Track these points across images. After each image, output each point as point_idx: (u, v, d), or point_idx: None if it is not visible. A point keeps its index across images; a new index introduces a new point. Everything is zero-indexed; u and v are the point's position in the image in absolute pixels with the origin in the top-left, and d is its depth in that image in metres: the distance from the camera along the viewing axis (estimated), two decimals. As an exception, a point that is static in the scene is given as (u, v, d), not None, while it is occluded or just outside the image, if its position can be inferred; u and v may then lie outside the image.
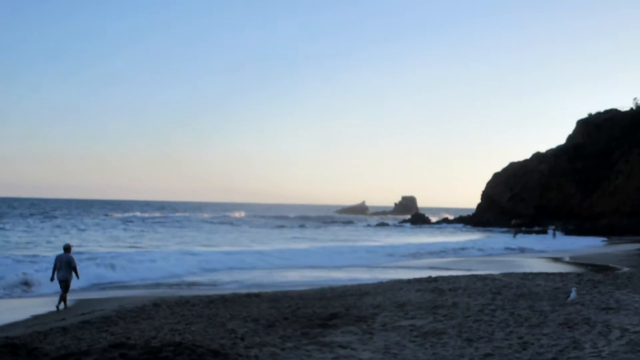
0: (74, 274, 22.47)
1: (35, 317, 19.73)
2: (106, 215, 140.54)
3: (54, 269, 22.36)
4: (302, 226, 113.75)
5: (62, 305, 21.89)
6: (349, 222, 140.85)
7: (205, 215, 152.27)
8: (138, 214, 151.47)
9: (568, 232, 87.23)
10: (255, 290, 24.49)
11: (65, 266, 22.32)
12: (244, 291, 24.37)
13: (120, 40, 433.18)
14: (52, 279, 22.43)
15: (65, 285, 22.19)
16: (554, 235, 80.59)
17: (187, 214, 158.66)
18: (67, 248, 23.00)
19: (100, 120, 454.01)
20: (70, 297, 22.81)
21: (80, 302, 23.10)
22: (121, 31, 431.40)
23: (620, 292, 19.78)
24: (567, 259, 47.23)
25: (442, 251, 56.47)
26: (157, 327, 16.23)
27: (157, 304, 20.37)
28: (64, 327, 16.62)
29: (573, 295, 18.04)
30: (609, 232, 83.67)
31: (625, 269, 33.49)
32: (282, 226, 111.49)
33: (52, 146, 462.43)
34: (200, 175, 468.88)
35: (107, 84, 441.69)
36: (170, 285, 30.75)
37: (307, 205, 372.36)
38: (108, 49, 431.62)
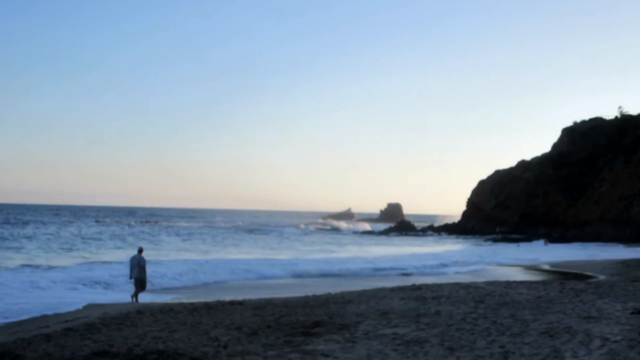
0: (146, 273, 25.56)
1: (19, 324, 19.64)
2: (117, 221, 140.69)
3: (130, 269, 25.55)
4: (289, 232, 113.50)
5: (135, 300, 24.93)
6: (335, 229, 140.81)
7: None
8: (133, 222, 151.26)
9: (552, 240, 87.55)
10: (239, 298, 24.53)
11: (137, 266, 25.26)
12: (227, 299, 24.37)
13: (111, 47, 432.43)
14: (130, 278, 25.67)
15: (139, 284, 25.26)
16: (546, 244, 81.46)
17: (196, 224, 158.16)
18: (140, 250, 26.10)
19: (90, 127, 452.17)
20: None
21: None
22: (113, 37, 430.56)
23: (602, 301, 19.88)
24: (548, 267, 47.29)
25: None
26: (140, 334, 16.22)
27: (140, 311, 20.35)
28: (48, 334, 16.59)
29: None
30: (594, 239, 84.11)
31: (601, 277, 33.59)
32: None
33: (39, 152, 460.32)
34: (188, 182, 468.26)
35: (98, 90, 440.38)
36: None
37: (293, 211, 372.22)
38: (98, 56, 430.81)
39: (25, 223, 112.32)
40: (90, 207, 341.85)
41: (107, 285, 31.52)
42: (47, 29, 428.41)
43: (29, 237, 71.81)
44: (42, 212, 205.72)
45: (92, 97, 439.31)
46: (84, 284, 31.27)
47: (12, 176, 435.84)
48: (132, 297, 25.20)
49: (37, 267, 39.73)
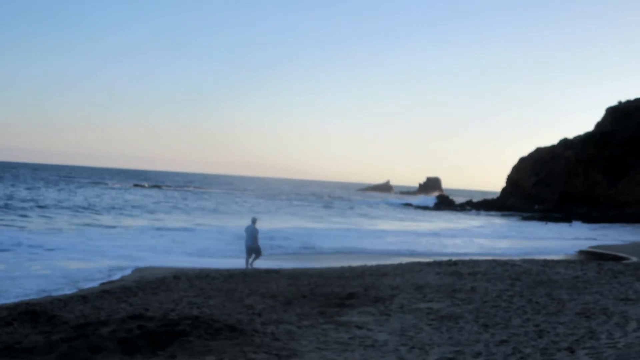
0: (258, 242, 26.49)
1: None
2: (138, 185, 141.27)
3: (246, 238, 26.47)
4: (326, 206, 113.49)
5: (250, 266, 25.89)
6: (372, 201, 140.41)
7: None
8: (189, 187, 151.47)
9: (592, 220, 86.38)
10: (275, 267, 24.67)
11: (249, 236, 26.29)
12: (263, 267, 24.52)
13: (141, 10, 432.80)
14: (246, 245, 26.50)
15: (248, 251, 26.30)
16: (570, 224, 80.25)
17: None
18: (254, 221, 27.05)
19: (117, 90, 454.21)
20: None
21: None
22: (141, 4, 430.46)
23: (640, 283, 19.67)
24: (586, 247, 46.59)
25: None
26: (175, 299, 16.37)
27: (177, 277, 20.53)
28: (84, 295, 16.80)
29: None
30: (634, 221, 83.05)
31: (634, 259, 33.04)
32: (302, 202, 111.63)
33: (62, 113, 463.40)
34: (221, 149, 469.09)
35: (126, 54, 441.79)
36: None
37: (330, 182, 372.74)
38: (129, 18, 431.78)
39: (57, 185, 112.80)
40: (108, 169, 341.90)
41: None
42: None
43: (71, 201, 71.84)
44: (64, 172, 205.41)
45: (114, 60, 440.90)
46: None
47: (32, 136, 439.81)
48: (250, 263, 26.18)
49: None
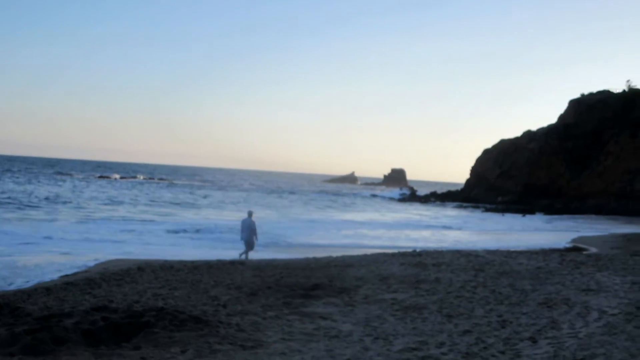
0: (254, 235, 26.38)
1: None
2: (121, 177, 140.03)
3: (241, 231, 26.50)
4: (291, 197, 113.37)
5: (244, 256, 25.72)
6: (339, 193, 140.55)
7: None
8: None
9: (554, 211, 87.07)
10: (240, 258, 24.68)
11: (247, 229, 26.27)
12: (228, 259, 24.47)
13: (116, 3, 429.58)
14: (241, 239, 26.56)
15: (247, 244, 26.19)
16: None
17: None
18: (250, 214, 27.08)
19: (93, 82, 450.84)
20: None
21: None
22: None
23: (601, 274, 19.84)
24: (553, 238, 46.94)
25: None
26: (140, 291, 16.30)
27: (141, 268, 20.42)
28: (48, 287, 16.69)
29: None
30: (596, 212, 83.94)
31: (601, 250, 33.31)
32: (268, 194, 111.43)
33: (42, 106, 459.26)
34: (187, 140, 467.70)
35: (101, 46, 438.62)
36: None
37: (295, 173, 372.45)
38: (103, 11, 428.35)
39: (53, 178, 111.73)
40: (73, 160, 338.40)
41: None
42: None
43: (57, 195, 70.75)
44: (27, 164, 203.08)
45: (91, 54, 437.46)
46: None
47: (11, 129, 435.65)
48: (240, 255, 26.00)
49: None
